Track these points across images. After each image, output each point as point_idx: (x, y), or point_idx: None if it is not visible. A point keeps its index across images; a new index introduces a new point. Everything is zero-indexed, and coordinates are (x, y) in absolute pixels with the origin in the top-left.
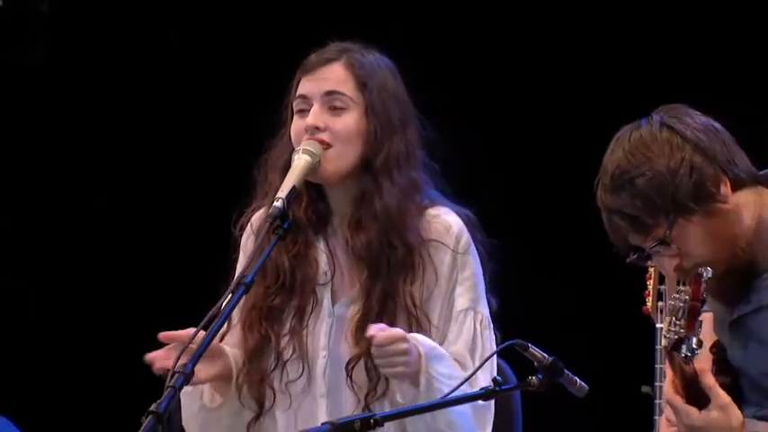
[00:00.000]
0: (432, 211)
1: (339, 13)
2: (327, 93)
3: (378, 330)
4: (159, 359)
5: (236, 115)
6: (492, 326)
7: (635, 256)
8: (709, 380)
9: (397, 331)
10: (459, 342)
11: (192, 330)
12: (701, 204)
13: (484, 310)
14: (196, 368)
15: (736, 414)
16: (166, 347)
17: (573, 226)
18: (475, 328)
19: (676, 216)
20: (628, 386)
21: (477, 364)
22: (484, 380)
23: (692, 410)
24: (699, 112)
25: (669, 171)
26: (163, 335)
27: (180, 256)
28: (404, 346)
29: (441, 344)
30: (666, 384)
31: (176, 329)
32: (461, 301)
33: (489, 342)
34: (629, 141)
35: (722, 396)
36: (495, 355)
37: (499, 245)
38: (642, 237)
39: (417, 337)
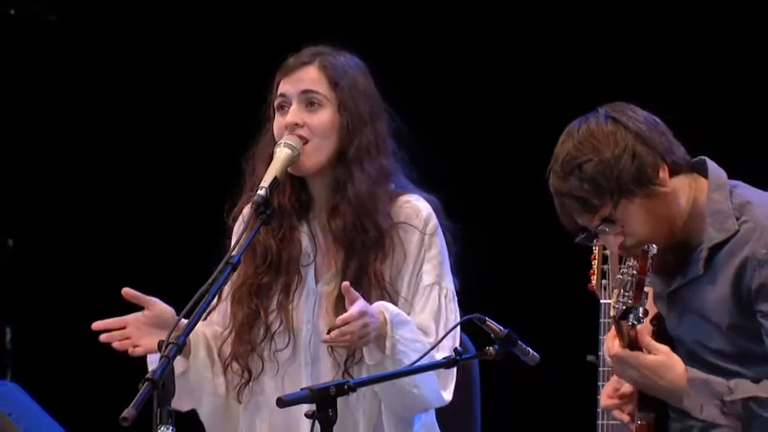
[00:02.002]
0: (403, 198)
1: (313, 16)
2: (304, 92)
3: (333, 334)
4: (115, 338)
5: (227, 114)
6: (456, 299)
7: (583, 235)
8: (649, 340)
9: (357, 309)
10: (424, 313)
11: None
12: (642, 187)
13: (449, 285)
14: (143, 340)
15: (678, 359)
16: (116, 331)
17: (526, 216)
18: (440, 301)
19: (620, 197)
20: (575, 355)
21: (442, 332)
22: (449, 347)
23: (640, 354)
24: (639, 108)
25: (614, 157)
26: (96, 324)
27: (179, 241)
28: (366, 320)
29: (408, 314)
30: (607, 342)
31: (173, 308)
32: (427, 277)
33: (453, 313)
34: (578, 132)
35: (662, 347)
36: (459, 326)
37: (461, 229)
38: (590, 216)
39: (384, 305)
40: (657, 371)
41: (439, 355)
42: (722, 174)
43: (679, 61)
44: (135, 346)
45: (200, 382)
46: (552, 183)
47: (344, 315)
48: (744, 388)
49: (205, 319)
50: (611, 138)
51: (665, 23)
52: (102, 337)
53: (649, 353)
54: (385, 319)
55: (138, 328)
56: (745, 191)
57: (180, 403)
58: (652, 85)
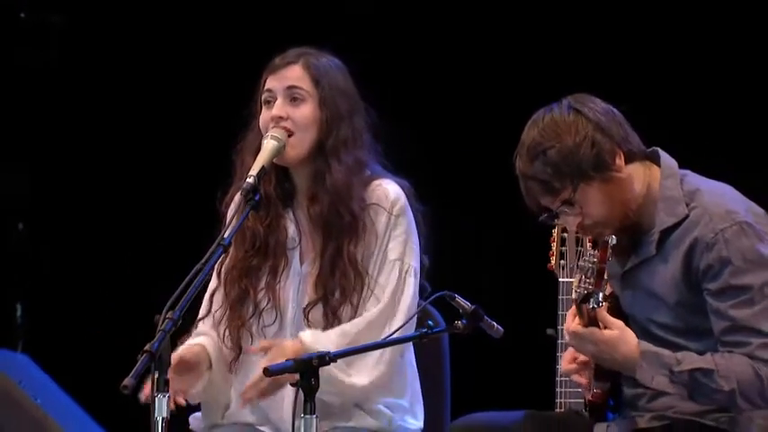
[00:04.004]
0: (375, 182)
1: (296, 22)
2: (288, 87)
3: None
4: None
5: (221, 111)
6: (418, 274)
7: (545, 215)
8: (606, 316)
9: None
10: (388, 286)
11: None
12: (600, 172)
13: (412, 261)
14: (176, 385)
15: (631, 333)
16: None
17: (492, 203)
18: (399, 275)
19: (579, 181)
20: (535, 329)
21: (400, 305)
22: (401, 318)
23: (596, 330)
24: (599, 99)
25: (575, 145)
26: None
27: (177, 226)
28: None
29: (373, 290)
30: (567, 320)
31: (170, 287)
32: (392, 254)
33: (410, 287)
34: (543, 121)
35: (617, 322)
36: (417, 298)
37: (430, 212)
38: (552, 198)
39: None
40: (613, 344)
41: (395, 323)
42: (673, 163)
43: (639, 57)
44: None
45: (216, 396)
46: (518, 166)
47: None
48: (690, 360)
49: (200, 295)
50: (573, 127)
51: (627, 21)
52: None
53: (605, 327)
54: (301, 343)
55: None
56: (695, 179)
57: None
58: (613, 78)
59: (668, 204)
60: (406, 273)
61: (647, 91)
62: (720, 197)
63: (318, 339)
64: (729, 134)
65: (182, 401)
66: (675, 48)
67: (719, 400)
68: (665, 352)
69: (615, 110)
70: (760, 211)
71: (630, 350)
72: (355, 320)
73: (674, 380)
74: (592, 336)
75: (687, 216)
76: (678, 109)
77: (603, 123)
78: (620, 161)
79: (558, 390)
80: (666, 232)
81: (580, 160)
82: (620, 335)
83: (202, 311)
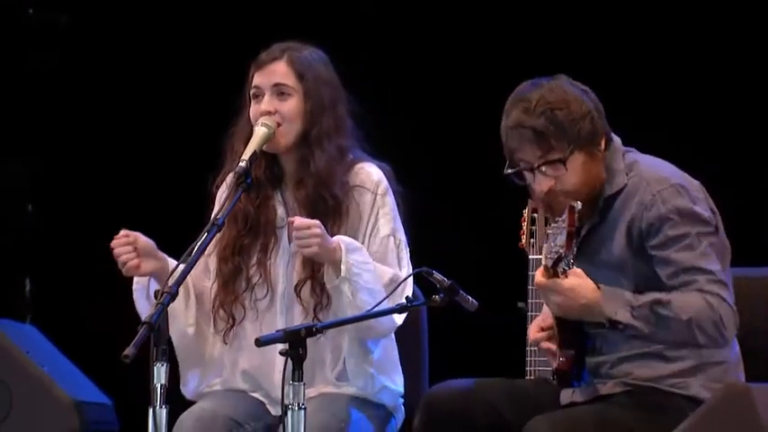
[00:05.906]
0: (358, 165)
1: (283, 17)
2: (275, 84)
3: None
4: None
5: (211, 105)
6: (408, 249)
7: (512, 171)
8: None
9: (314, 221)
10: (384, 259)
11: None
12: (591, 146)
13: (401, 236)
14: (142, 263)
15: (590, 279)
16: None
17: (467, 185)
18: (396, 248)
19: (575, 146)
20: (507, 302)
21: (400, 274)
22: (407, 290)
23: (559, 280)
24: None
25: (580, 115)
26: (123, 233)
27: (174, 207)
28: (317, 230)
29: None
30: (537, 275)
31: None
32: (383, 230)
33: (405, 260)
34: (548, 84)
35: (577, 270)
36: (412, 276)
37: (409, 194)
38: (540, 153)
39: (340, 236)
40: (577, 290)
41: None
42: (618, 140)
43: (632, 62)
44: (137, 266)
45: (173, 312)
46: (516, 117)
47: (306, 220)
48: (648, 294)
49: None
50: (579, 99)
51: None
52: (119, 244)
53: (566, 277)
54: (340, 246)
55: (139, 252)
56: (635, 154)
57: None
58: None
59: (611, 174)
60: (398, 248)
61: (645, 92)
62: (656, 166)
63: (354, 257)
64: (726, 133)
65: (135, 263)
66: (669, 49)
67: (679, 332)
68: (625, 291)
69: None
70: (696, 182)
71: (592, 292)
72: (385, 268)
73: (635, 314)
74: (556, 285)
75: (626, 185)
76: (673, 109)
77: (599, 107)
78: (603, 143)
79: (528, 359)
80: (609, 200)
81: (581, 128)
82: (581, 281)
83: None
